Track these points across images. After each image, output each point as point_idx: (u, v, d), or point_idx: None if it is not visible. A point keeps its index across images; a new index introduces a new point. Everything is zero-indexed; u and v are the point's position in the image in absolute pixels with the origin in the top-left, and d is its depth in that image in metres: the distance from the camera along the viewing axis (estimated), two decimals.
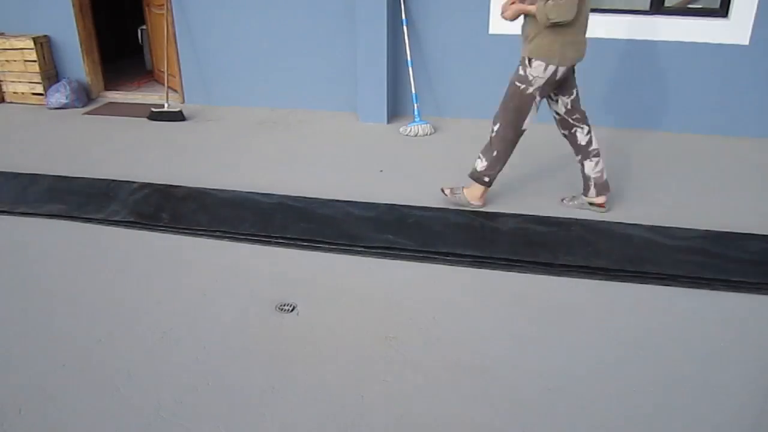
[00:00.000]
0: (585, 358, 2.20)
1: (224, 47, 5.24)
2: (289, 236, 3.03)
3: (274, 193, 3.55)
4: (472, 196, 3.32)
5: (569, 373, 2.12)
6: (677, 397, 2.01)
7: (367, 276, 2.74)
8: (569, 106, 3.17)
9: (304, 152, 4.29)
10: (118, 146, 4.45)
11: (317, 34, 4.97)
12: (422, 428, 1.90)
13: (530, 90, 3.01)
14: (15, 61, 5.39)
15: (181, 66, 5.40)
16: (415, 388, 2.06)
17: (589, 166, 3.25)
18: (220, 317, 2.45)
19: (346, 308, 2.50)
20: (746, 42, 4.25)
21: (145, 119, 5.03)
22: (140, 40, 6.65)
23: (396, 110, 5.06)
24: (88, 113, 5.30)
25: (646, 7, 4.43)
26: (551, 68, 2.93)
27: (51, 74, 5.54)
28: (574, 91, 3.16)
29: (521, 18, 3.13)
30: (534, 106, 3.08)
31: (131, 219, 3.23)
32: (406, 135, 4.61)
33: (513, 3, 3.08)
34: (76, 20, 5.38)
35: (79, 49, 5.49)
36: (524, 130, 3.18)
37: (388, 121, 4.90)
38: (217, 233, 3.09)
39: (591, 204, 3.31)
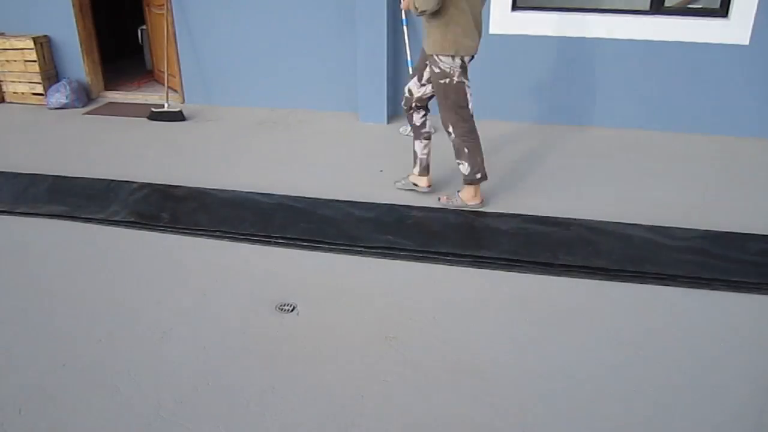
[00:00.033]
0: (585, 358, 2.20)
1: (224, 47, 5.24)
2: (289, 236, 3.03)
3: (274, 193, 3.55)
4: (467, 197, 3.35)
5: (569, 373, 2.12)
6: (677, 397, 2.01)
7: (367, 276, 2.74)
8: (423, 94, 3.33)
9: (304, 152, 4.29)
10: (118, 146, 4.45)
11: (317, 34, 4.97)
12: (422, 428, 1.90)
13: (456, 79, 3.11)
14: (15, 61, 5.39)
15: (181, 66, 5.40)
16: (415, 388, 2.06)
17: (419, 146, 3.47)
18: (220, 317, 2.45)
19: (346, 308, 2.50)
20: (746, 42, 4.25)
21: (145, 119, 5.03)
22: (140, 40, 6.65)
23: (396, 110, 5.05)
24: (88, 113, 5.30)
25: (646, 7, 4.43)
26: (457, 59, 3.07)
27: (51, 74, 5.54)
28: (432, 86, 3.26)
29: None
30: (468, 88, 3.20)
31: (131, 219, 3.23)
32: (406, 135, 4.60)
33: None
34: (76, 20, 5.38)
35: (79, 49, 5.49)
36: (473, 114, 3.28)
37: (388, 121, 4.90)
38: (217, 233, 3.09)
39: (414, 184, 3.50)
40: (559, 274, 2.71)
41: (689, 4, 4.57)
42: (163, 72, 5.50)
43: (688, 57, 4.39)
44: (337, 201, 3.42)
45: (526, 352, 2.24)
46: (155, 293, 2.62)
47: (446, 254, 2.85)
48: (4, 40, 5.32)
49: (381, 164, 4.03)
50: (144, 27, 6.38)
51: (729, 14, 4.27)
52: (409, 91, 3.36)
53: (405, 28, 4.66)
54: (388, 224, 3.14)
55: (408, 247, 2.90)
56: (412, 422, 1.92)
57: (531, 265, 2.77)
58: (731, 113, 4.48)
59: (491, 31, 4.64)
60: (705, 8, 4.46)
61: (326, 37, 4.96)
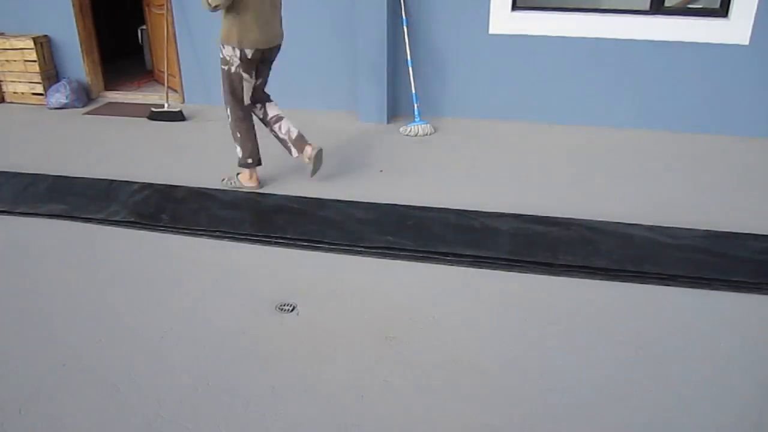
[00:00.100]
0: (585, 358, 2.20)
1: None
2: (289, 236, 3.03)
3: (274, 193, 3.55)
4: (244, 179, 3.63)
5: (569, 373, 2.12)
6: (677, 397, 2.01)
7: (367, 276, 2.74)
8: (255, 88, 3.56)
9: None
10: (118, 146, 4.45)
11: (317, 34, 4.97)
12: (422, 428, 1.90)
13: (233, 69, 3.39)
14: (15, 61, 5.39)
15: (181, 66, 5.40)
16: (415, 388, 2.06)
17: (282, 131, 3.64)
18: (220, 317, 2.45)
19: (346, 308, 2.50)
20: (746, 42, 4.25)
21: (145, 119, 5.03)
22: (140, 40, 6.65)
23: (396, 110, 5.06)
24: (88, 113, 5.30)
25: (646, 7, 4.42)
26: (238, 50, 3.31)
27: (51, 74, 5.54)
28: (259, 81, 3.55)
29: None
30: (246, 82, 3.44)
31: (131, 219, 3.23)
32: (406, 135, 4.61)
33: None
34: (76, 20, 5.38)
35: (79, 49, 5.49)
36: (248, 105, 3.53)
37: (388, 121, 4.90)
38: (217, 233, 3.09)
39: (308, 159, 3.61)
40: (559, 274, 2.71)
41: (689, 4, 4.57)
42: (163, 72, 5.49)
43: (688, 57, 4.39)
44: (337, 201, 3.42)
45: (526, 352, 2.24)
46: (155, 293, 2.62)
47: (446, 254, 2.85)
48: (4, 40, 5.32)
49: (381, 164, 4.03)
50: (144, 27, 6.37)
51: (729, 14, 4.27)
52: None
53: (405, 28, 4.66)
54: (388, 224, 3.14)
55: (408, 247, 2.90)
56: (412, 422, 1.92)
57: (531, 265, 2.77)
58: (731, 113, 4.48)
59: (491, 31, 4.64)
60: (705, 8, 4.46)
61: (326, 37, 4.96)
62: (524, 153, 4.22)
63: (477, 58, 4.77)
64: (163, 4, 5.20)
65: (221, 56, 3.40)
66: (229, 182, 3.66)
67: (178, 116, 5.00)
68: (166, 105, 5.10)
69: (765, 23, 4.17)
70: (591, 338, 2.31)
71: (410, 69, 4.73)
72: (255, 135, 3.59)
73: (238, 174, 3.65)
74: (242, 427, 1.90)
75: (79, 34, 5.43)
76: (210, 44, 5.24)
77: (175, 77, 5.50)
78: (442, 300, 2.54)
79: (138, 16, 6.47)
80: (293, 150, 3.65)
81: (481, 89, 4.85)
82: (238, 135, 3.54)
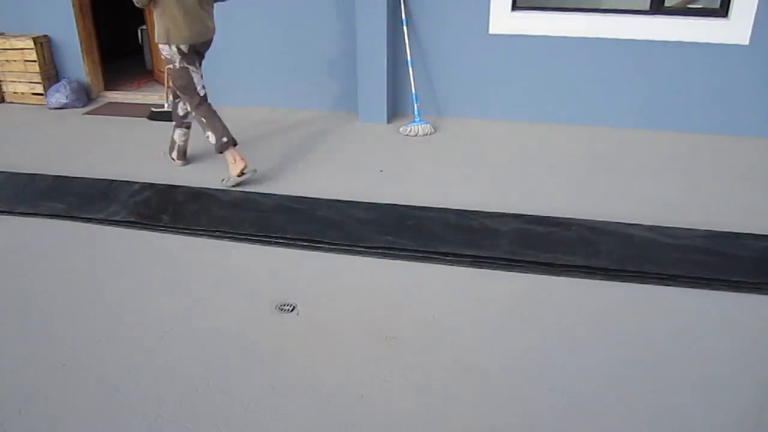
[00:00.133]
0: (585, 358, 2.20)
1: (224, 47, 5.22)
2: (289, 236, 3.03)
3: (274, 193, 3.55)
4: (233, 168, 3.65)
5: (569, 373, 2.12)
6: (677, 397, 2.01)
7: (367, 276, 2.74)
8: None
9: (304, 152, 4.28)
10: (118, 146, 4.45)
11: (317, 34, 4.97)
12: (422, 428, 1.90)
13: (178, 65, 3.55)
14: (15, 61, 5.39)
15: None
16: (415, 388, 2.06)
17: (178, 133, 3.94)
18: (220, 317, 2.45)
19: (346, 308, 2.50)
20: (746, 42, 4.25)
21: (145, 119, 5.03)
22: (140, 40, 6.65)
23: (396, 110, 5.05)
24: (88, 113, 5.30)
25: (646, 7, 4.42)
26: (174, 47, 3.47)
27: (51, 74, 5.54)
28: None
29: None
30: (195, 73, 3.62)
31: (131, 219, 3.23)
32: (406, 135, 4.61)
33: None
34: (76, 20, 5.38)
35: (79, 49, 5.49)
36: (204, 95, 3.72)
37: (388, 121, 4.90)
38: (217, 233, 3.09)
39: (172, 158, 3.99)
40: (559, 274, 2.71)
41: (689, 4, 4.57)
42: (163, 72, 5.48)
43: (688, 57, 4.39)
44: (337, 201, 3.42)
45: (526, 352, 2.24)
46: (155, 293, 2.62)
47: (446, 254, 2.85)
48: (4, 40, 5.32)
49: (381, 164, 4.03)
50: (144, 27, 6.37)
51: (729, 14, 4.27)
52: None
53: (405, 28, 4.66)
54: (388, 224, 3.14)
55: (408, 247, 2.90)
56: (412, 422, 1.92)
57: (531, 265, 2.77)
58: (731, 113, 4.48)
59: (491, 31, 4.64)
60: (705, 8, 4.46)
61: (326, 37, 4.96)
62: (524, 153, 4.22)
63: (477, 58, 4.77)
64: None
65: (163, 57, 3.57)
66: (227, 182, 3.69)
67: None
68: (166, 105, 5.10)
69: (765, 23, 4.17)
70: (591, 338, 2.31)
71: (410, 69, 4.73)
72: (219, 115, 3.72)
73: (225, 151, 3.67)
74: (242, 427, 1.90)
75: (79, 34, 5.42)
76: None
77: None
78: (442, 300, 2.54)
79: (138, 16, 6.46)
80: (174, 152, 3.97)
81: (481, 89, 4.85)
82: (204, 120, 3.67)
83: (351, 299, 2.56)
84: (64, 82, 5.37)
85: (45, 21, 5.42)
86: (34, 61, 5.34)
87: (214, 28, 3.68)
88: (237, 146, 3.69)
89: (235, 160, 3.64)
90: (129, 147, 4.43)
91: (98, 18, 5.73)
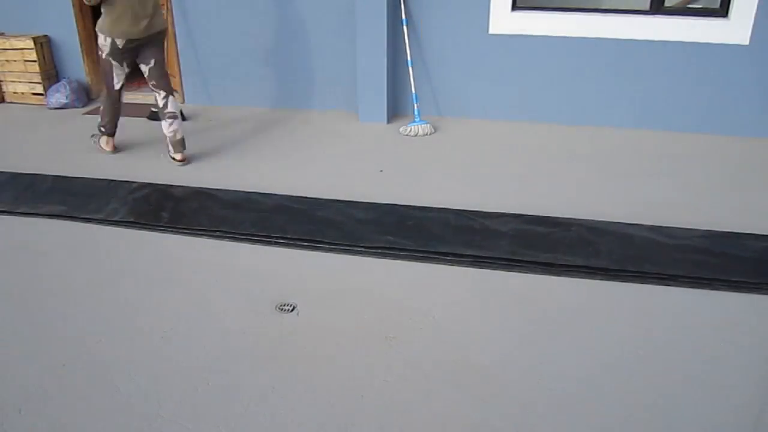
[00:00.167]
0: (585, 358, 2.20)
1: (224, 47, 5.24)
2: (289, 236, 3.03)
3: (274, 193, 3.55)
4: (103, 143, 4.25)
5: (569, 373, 2.12)
6: (677, 397, 2.01)
7: (367, 276, 2.74)
8: (147, 74, 3.95)
9: (304, 152, 4.29)
10: (117, 146, 4.44)
11: (317, 34, 4.97)
12: (422, 428, 1.90)
13: (104, 55, 3.83)
14: (15, 61, 5.38)
15: (181, 66, 5.40)
16: (415, 388, 2.06)
17: (165, 125, 3.99)
18: (220, 317, 2.45)
19: (346, 308, 2.50)
20: (746, 42, 4.25)
21: (145, 119, 5.03)
22: None
23: (396, 110, 5.06)
24: (88, 113, 5.29)
25: (646, 7, 4.42)
26: (109, 39, 3.73)
27: (51, 74, 5.54)
28: (152, 62, 3.90)
29: None
30: (118, 69, 3.88)
31: (131, 219, 3.23)
32: (406, 135, 4.61)
33: None
34: (76, 20, 5.38)
35: (79, 49, 5.49)
36: (118, 90, 3.98)
37: (388, 121, 4.90)
38: (217, 233, 3.09)
39: (172, 158, 4.05)
40: (559, 274, 2.71)
41: (689, 4, 4.57)
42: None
43: (688, 57, 4.39)
44: (337, 201, 3.42)
45: (526, 352, 2.24)
46: (155, 293, 2.62)
47: (446, 254, 2.85)
48: (4, 40, 5.32)
49: (381, 164, 4.03)
50: None
51: (729, 14, 4.27)
52: (143, 76, 4.05)
53: (405, 28, 4.66)
54: (388, 224, 3.14)
55: (408, 247, 2.90)
56: (412, 422, 1.92)
57: (531, 265, 2.77)
58: (731, 113, 4.48)
59: (491, 31, 4.64)
60: (705, 8, 4.46)
61: (326, 37, 4.96)
62: (524, 153, 4.22)
63: (477, 58, 4.77)
64: (163, 4, 5.19)
65: (98, 43, 3.88)
66: (93, 138, 4.26)
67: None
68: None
69: (765, 23, 4.17)
70: (591, 338, 2.31)
71: (410, 69, 4.73)
72: (116, 114, 4.12)
73: (99, 136, 4.25)
74: (242, 427, 1.90)
75: (79, 34, 5.42)
76: (210, 44, 5.26)
77: (175, 77, 5.50)
78: (442, 300, 2.54)
79: None
80: (170, 148, 4.04)
81: (481, 89, 4.85)
82: (101, 107, 4.12)
83: (351, 299, 2.56)
84: (64, 82, 5.37)
85: (45, 21, 5.42)
86: (34, 61, 5.34)
87: (162, 25, 3.92)
88: (114, 135, 4.24)
89: (107, 143, 4.23)
90: (129, 147, 4.42)
91: (98, 18, 5.71)
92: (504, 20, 4.60)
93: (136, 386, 2.06)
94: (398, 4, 4.64)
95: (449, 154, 4.23)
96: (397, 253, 2.88)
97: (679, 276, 2.66)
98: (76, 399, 2.01)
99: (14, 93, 5.55)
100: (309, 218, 3.22)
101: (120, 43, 3.71)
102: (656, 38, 4.39)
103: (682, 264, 2.75)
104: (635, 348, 2.25)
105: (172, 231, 3.13)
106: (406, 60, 4.73)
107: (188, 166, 4.02)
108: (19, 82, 5.48)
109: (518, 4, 4.59)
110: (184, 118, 5.00)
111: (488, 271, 2.76)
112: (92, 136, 4.34)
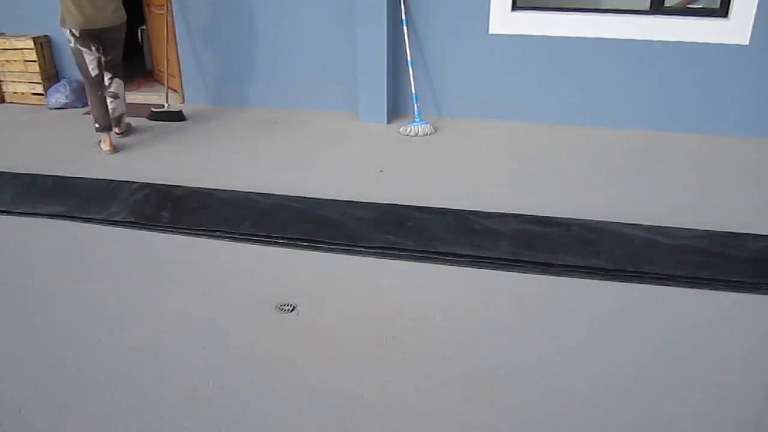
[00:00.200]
0: (585, 358, 2.20)
1: (224, 47, 5.24)
2: (289, 236, 3.03)
3: (274, 193, 3.55)
4: (101, 144, 4.28)
5: (569, 373, 2.12)
6: (677, 397, 2.01)
7: (367, 276, 2.74)
8: (102, 61, 4.18)
9: (304, 152, 4.29)
10: (117, 146, 4.44)
11: (317, 34, 4.97)
12: (422, 428, 1.90)
13: (72, 45, 4.06)
14: (15, 61, 5.39)
15: (181, 66, 5.39)
16: (415, 388, 2.06)
17: (110, 106, 4.30)
18: (220, 317, 2.45)
19: (346, 308, 2.50)
20: (746, 42, 4.25)
21: (145, 119, 5.03)
22: (140, 40, 6.64)
23: (396, 110, 5.06)
24: (88, 113, 5.27)
25: (646, 7, 4.42)
26: (66, 29, 3.99)
27: (51, 74, 5.54)
28: (109, 58, 4.18)
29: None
30: (88, 54, 4.06)
31: (131, 219, 3.23)
32: (406, 135, 4.61)
33: None
34: None
35: None
36: (96, 77, 4.14)
37: (388, 121, 4.90)
38: (217, 233, 3.09)
39: (116, 132, 4.44)
40: (558, 274, 2.71)
41: (689, 4, 4.57)
42: (163, 72, 5.49)
43: (688, 57, 4.39)
44: (337, 201, 3.42)
45: (526, 351, 2.24)
46: (155, 293, 2.62)
47: (446, 254, 2.85)
48: (4, 40, 5.32)
49: (381, 164, 4.03)
50: (144, 27, 6.37)
51: (729, 14, 4.27)
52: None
53: (405, 28, 4.66)
54: (388, 224, 3.14)
55: (408, 247, 2.90)
56: (412, 422, 1.92)
57: (531, 265, 2.77)
58: (731, 113, 4.48)
59: (491, 31, 4.64)
60: (705, 8, 4.46)
61: (326, 37, 4.96)
62: (524, 153, 4.23)
63: (477, 58, 4.77)
64: (163, 4, 5.19)
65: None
66: (99, 150, 4.29)
67: (178, 116, 5.00)
68: (166, 105, 5.10)
69: (765, 23, 4.17)
70: (591, 338, 2.31)
71: (410, 69, 4.73)
72: (102, 104, 4.21)
73: (100, 141, 4.29)
74: (242, 427, 1.90)
75: None
76: (210, 44, 5.26)
77: (175, 77, 5.50)
78: (442, 300, 2.55)
79: (138, 16, 6.46)
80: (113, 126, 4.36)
81: (481, 89, 4.85)
82: (89, 104, 4.25)
83: (351, 299, 2.56)
84: (64, 82, 5.37)
85: (45, 21, 5.41)
86: (34, 61, 5.34)
87: (119, 16, 4.10)
88: (111, 131, 4.31)
89: (104, 141, 4.24)
90: (129, 147, 4.42)
91: None
92: (504, 20, 4.60)
93: (136, 386, 2.06)
94: (398, 4, 4.63)
95: (449, 154, 4.23)
96: (397, 253, 2.88)
97: (678, 276, 2.66)
98: (76, 399, 2.01)
99: (14, 93, 5.55)
100: (309, 218, 3.22)
101: (76, 31, 3.96)
102: (656, 38, 4.39)
103: (682, 264, 2.75)
104: (635, 348, 2.25)
105: (172, 231, 3.13)
106: (406, 60, 4.73)
107: (189, 167, 4.02)
108: (19, 82, 5.48)
109: (518, 5, 4.59)
110: (183, 119, 5.01)
111: (488, 271, 2.76)
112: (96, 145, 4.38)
